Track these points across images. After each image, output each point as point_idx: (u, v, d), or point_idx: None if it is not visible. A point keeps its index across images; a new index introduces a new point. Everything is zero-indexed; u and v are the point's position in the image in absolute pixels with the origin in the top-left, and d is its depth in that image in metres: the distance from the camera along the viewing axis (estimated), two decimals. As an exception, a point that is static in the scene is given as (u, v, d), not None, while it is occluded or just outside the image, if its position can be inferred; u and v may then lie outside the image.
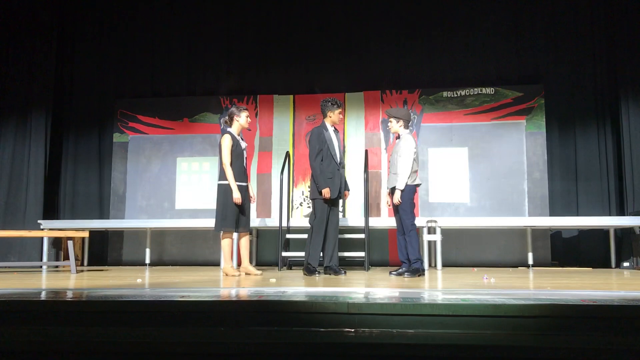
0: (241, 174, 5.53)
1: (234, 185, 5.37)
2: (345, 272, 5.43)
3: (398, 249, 5.41)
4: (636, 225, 6.67)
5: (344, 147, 7.78)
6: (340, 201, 6.33)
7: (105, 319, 2.69)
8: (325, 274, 5.44)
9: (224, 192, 5.44)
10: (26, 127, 7.96)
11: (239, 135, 5.63)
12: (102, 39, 8.53)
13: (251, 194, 5.69)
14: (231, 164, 5.42)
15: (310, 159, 5.50)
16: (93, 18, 8.58)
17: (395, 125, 5.40)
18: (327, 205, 5.46)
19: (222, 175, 5.47)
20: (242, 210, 5.50)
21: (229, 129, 5.59)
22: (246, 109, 5.65)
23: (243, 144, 5.64)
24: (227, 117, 5.66)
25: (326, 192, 5.37)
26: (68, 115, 8.47)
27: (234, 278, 5.02)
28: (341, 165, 5.59)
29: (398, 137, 5.46)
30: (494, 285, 4.13)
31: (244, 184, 5.55)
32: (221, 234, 5.49)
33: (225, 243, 5.49)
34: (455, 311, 2.55)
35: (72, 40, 8.59)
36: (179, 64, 8.43)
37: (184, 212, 7.93)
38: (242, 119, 5.60)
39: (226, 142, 5.44)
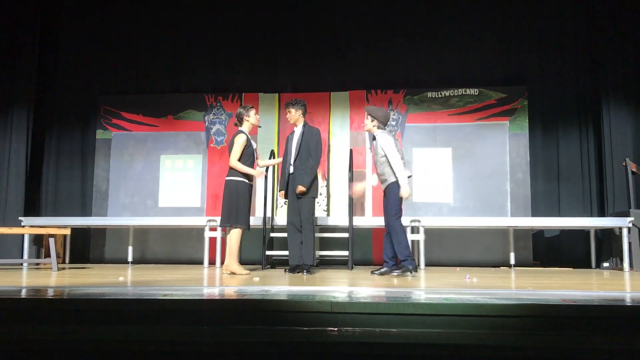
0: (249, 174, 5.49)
1: (252, 170, 5.41)
2: (307, 272, 5.34)
3: (383, 248, 5.38)
4: (616, 226, 6.76)
5: (328, 146, 7.79)
6: (322, 200, 6.30)
7: (86, 318, 2.67)
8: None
9: (235, 188, 5.36)
10: (7, 122, 7.85)
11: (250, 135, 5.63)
12: (86, 35, 8.43)
13: None
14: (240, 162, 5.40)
15: None
16: (77, 13, 8.47)
17: (370, 124, 5.40)
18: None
19: (231, 172, 5.42)
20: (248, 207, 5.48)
21: (243, 129, 5.53)
22: (253, 107, 5.65)
23: (254, 144, 5.60)
24: (236, 120, 5.63)
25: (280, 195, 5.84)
26: (51, 111, 8.36)
27: (242, 277, 4.89)
28: (288, 164, 5.66)
29: (374, 138, 5.42)
30: (476, 284, 4.16)
31: (251, 182, 5.50)
32: (228, 228, 5.38)
33: (234, 238, 5.34)
34: (437, 310, 2.57)
35: (56, 35, 8.48)
36: (163, 61, 8.37)
37: (168, 210, 7.88)
38: (251, 118, 5.57)
39: (240, 141, 5.39)
